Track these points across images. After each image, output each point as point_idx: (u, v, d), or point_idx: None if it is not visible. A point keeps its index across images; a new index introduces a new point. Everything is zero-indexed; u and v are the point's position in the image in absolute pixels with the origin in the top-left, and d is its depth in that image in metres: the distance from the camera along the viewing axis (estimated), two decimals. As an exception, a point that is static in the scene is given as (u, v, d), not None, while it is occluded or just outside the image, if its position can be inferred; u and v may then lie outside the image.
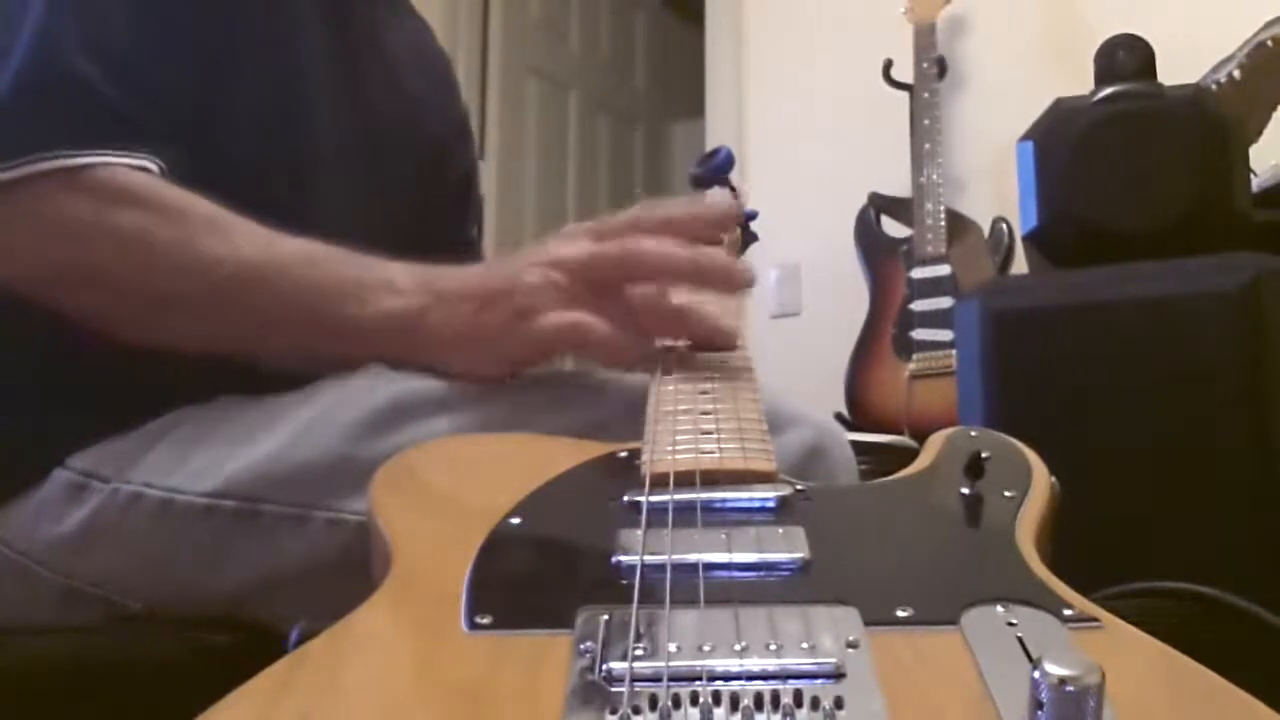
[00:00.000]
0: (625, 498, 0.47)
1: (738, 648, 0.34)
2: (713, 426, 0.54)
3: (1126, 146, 1.25)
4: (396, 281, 0.65)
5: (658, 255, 0.63)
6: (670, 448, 0.51)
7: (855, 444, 0.70)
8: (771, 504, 0.47)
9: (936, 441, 0.55)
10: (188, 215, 0.64)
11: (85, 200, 0.63)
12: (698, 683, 0.32)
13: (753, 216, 1.15)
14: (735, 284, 0.66)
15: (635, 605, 0.37)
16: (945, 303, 2.06)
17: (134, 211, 0.63)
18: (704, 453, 0.50)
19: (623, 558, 0.41)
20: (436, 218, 0.92)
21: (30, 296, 0.65)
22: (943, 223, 2.13)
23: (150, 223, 0.63)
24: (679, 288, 0.67)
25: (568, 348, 0.64)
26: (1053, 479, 0.50)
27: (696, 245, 0.64)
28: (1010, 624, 0.36)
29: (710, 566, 0.40)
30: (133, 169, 0.64)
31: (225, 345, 0.66)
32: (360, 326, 0.64)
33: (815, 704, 0.31)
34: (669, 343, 0.69)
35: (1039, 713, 0.29)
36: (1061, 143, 1.28)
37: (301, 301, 0.64)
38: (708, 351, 0.67)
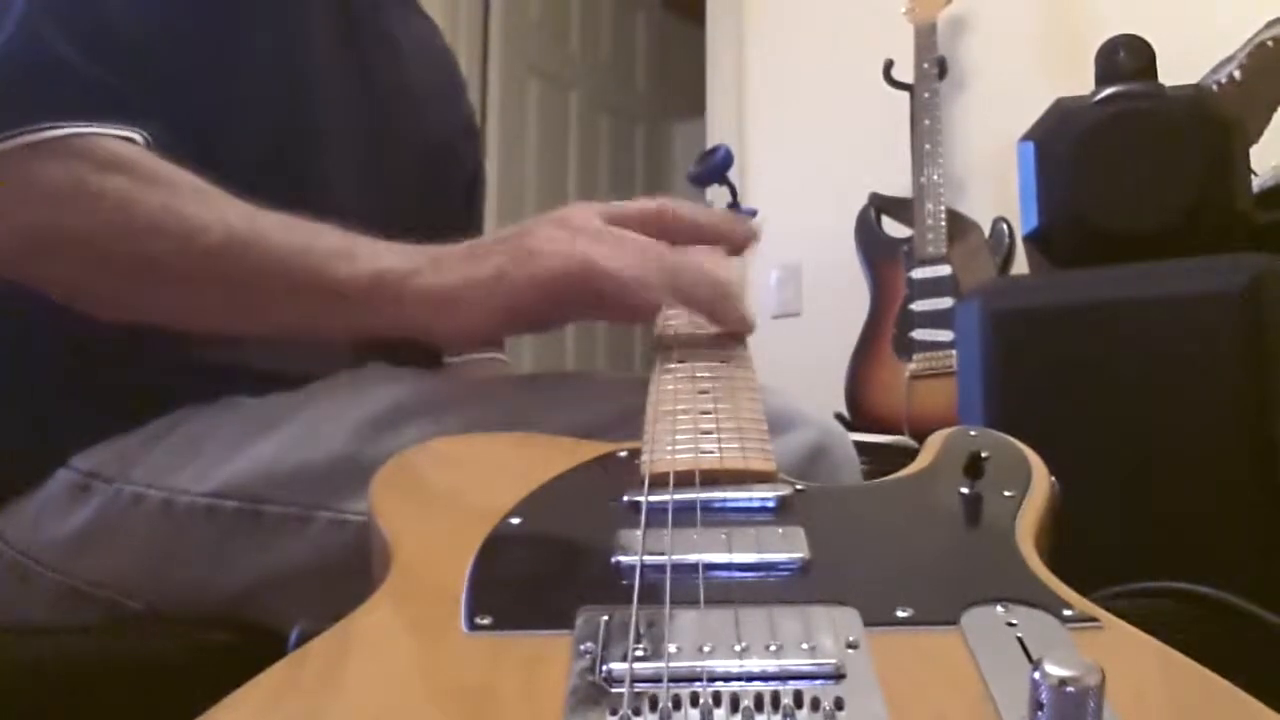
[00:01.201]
0: (625, 498, 0.47)
1: (738, 648, 0.34)
2: (712, 426, 0.54)
3: (1127, 147, 1.25)
4: (385, 248, 0.64)
5: (686, 208, 0.66)
6: (670, 447, 0.51)
7: (855, 444, 0.70)
8: (771, 504, 0.47)
9: (936, 441, 0.55)
10: (173, 182, 0.64)
11: (69, 166, 0.63)
12: (698, 683, 0.32)
13: (752, 215, 1.15)
14: (741, 246, 0.69)
15: (635, 606, 0.37)
16: (946, 303, 2.06)
17: (119, 177, 0.63)
18: (704, 452, 0.50)
19: (622, 558, 0.41)
20: (440, 216, 0.92)
21: (11, 271, 0.65)
22: (943, 223, 2.13)
23: (135, 188, 0.63)
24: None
25: (575, 284, 0.60)
26: (1052, 479, 0.50)
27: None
28: (1010, 624, 0.36)
29: (710, 567, 0.40)
30: (118, 139, 0.64)
31: (208, 319, 0.65)
32: (351, 287, 0.62)
33: (815, 705, 0.31)
34: (672, 323, 0.69)
35: (1039, 713, 0.29)
36: (1062, 143, 1.28)
37: (291, 264, 0.63)
38: (713, 326, 0.67)
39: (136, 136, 0.65)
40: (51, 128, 0.62)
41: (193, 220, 0.63)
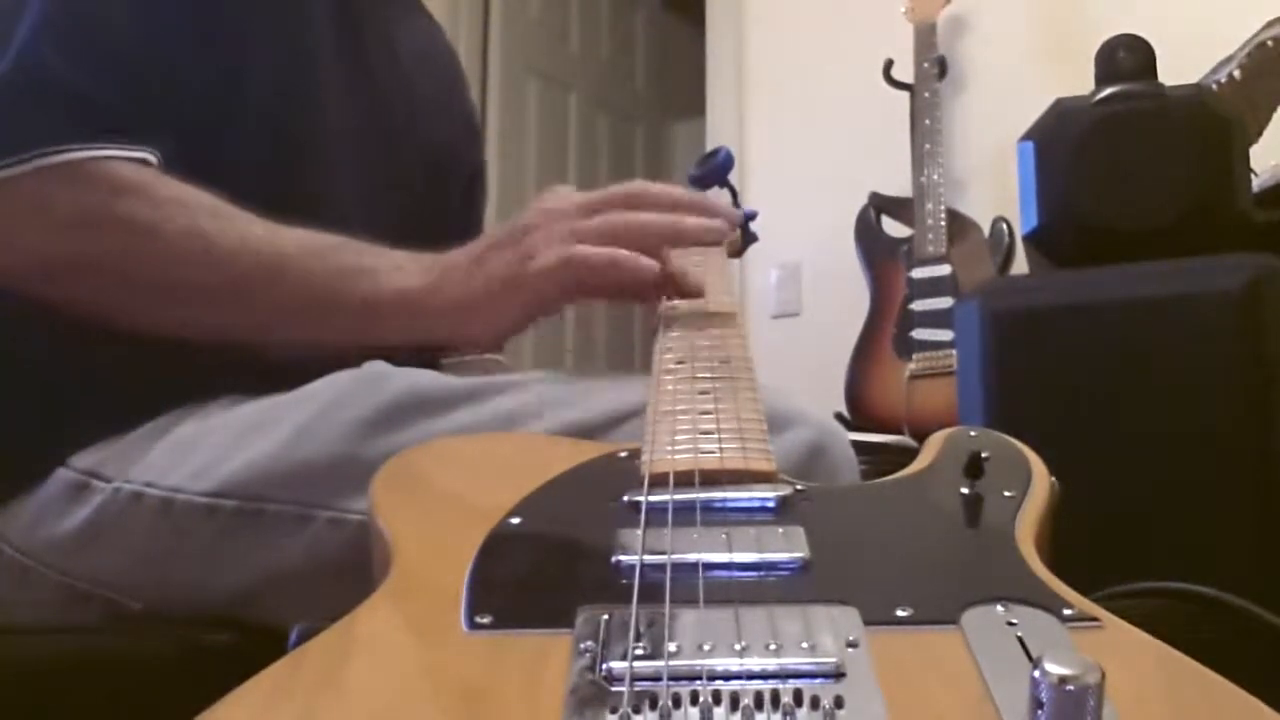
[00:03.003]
0: (625, 497, 0.47)
1: (738, 647, 0.34)
2: (712, 426, 0.54)
3: (1127, 147, 1.25)
4: (401, 262, 0.66)
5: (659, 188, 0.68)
6: (670, 447, 0.51)
7: (855, 444, 0.70)
8: (771, 504, 0.47)
9: (936, 441, 0.55)
10: (193, 208, 0.65)
11: (84, 191, 0.63)
12: (698, 682, 0.32)
13: (752, 216, 1.15)
14: (719, 230, 0.69)
15: (635, 605, 0.37)
16: (945, 303, 2.06)
17: (140, 204, 0.64)
18: (704, 452, 0.50)
19: (622, 557, 0.41)
20: (442, 216, 0.92)
21: (27, 289, 0.65)
22: (943, 223, 2.13)
23: (156, 214, 0.64)
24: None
25: (572, 276, 0.64)
26: (1052, 479, 0.50)
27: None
28: (1010, 623, 0.36)
29: (710, 566, 0.40)
30: (132, 161, 0.64)
31: (233, 334, 0.67)
32: (374, 307, 0.65)
33: (815, 703, 0.31)
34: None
35: (1039, 712, 0.29)
36: (1062, 143, 1.28)
37: (315, 288, 0.65)
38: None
39: (149, 157, 0.65)
40: (64, 151, 0.63)
41: (215, 245, 0.64)
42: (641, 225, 0.66)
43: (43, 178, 0.62)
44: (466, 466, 0.55)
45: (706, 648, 0.34)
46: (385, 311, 0.65)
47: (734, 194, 1.17)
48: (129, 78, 0.66)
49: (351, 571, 0.51)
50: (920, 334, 2.09)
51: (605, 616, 0.36)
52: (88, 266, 0.64)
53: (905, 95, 2.27)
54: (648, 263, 0.65)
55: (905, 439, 1.88)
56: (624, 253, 0.64)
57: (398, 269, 0.66)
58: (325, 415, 0.64)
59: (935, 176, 2.15)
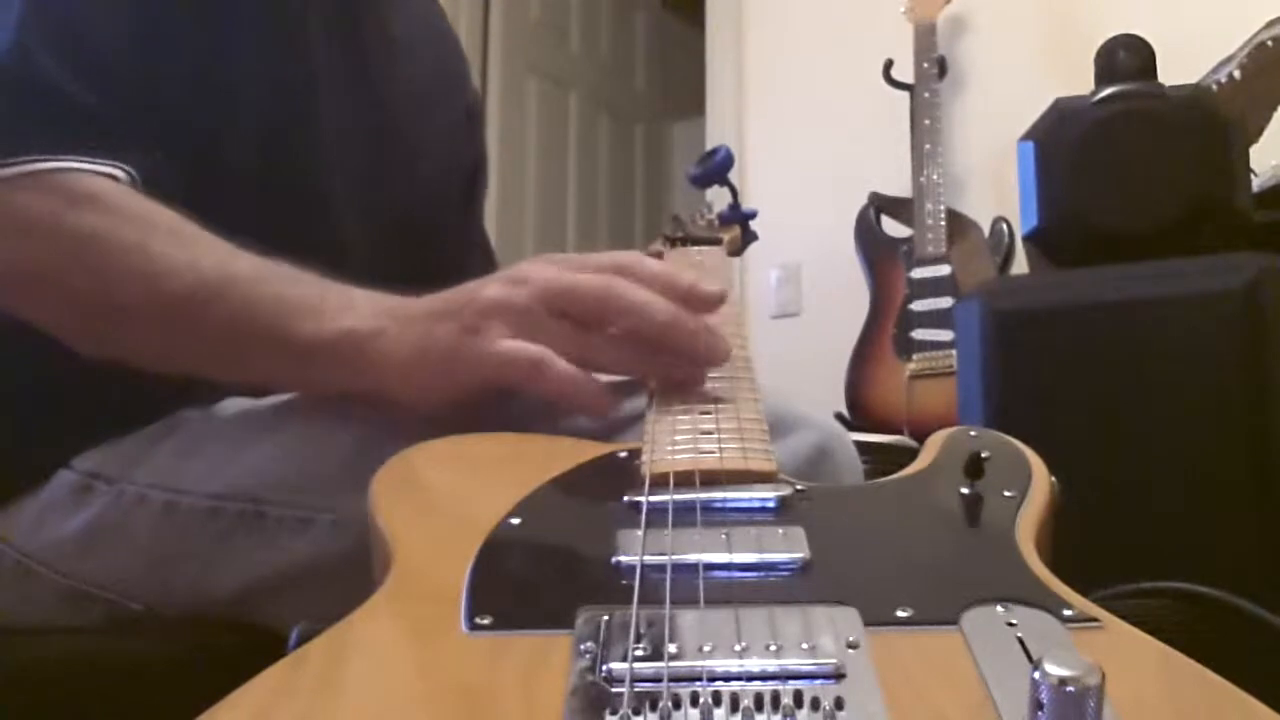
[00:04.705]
0: (625, 498, 0.47)
1: (738, 648, 0.34)
2: (713, 426, 0.54)
3: (1127, 147, 1.25)
4: (355, 302, 0.61)
5: (638, 305, 0.58)
6: (670, 448, 0.51)
7: (856, 444, 0.70)
8: (771, 504, 0.47)
9: (936, 441, 0.55)
10: (148, 224, 0.62)
11: (44, 202, 0.61)
12: (698, 683, 0.32)
13: (752, 216, 1.15)
14: (705, 362, 0.61)
15: (635, 606, 0.37)
16: (945, 303, 2.06)
17: (93, 216, 0.61)
18: (704, 453, 0.50)
19: (623, 558, 0.41)
20: (442, 211, 0.91)
21: None
22: (943, 223, 2.13)
23: (108, 228, 0.61)
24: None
25: (517, 379, 0.58)
26: (1053, 479, 0.50)
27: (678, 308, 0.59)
28: (1010, 624, 0.36)
29: (710, 567, 0.40)
30: (100, 175, 0.62)
31: (178, 362, 0.64)
32: (315, 343, 0.60)
33: (815, 704, 0.31)
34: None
35: (1039, 713, 0.29)
36: (1062, 143, 1.29)
37: (257, 315, 0.61)
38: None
39: (119, 173, 0.63)
40: (34, 161, 0.61)
41: (161, 263, 0.61)
42: (626, 311, 0.58)
43: (8, 186, 0.61)
44: (466, 467, 0.55)
45: (707, 649, 0.34)
46: (323, 350, 0.60)
47: (734, 193, 1.17)
48: (115, 81, 0.65)
49: (352, 573, 0.51)
50: (920, 334, 2.09)
51: (605, 617, 0.36)
52: (35, 276, 0.62)
53: (905, 95, 2.27)
54: (596, 397, 0.59)
55: (905, 439, 1.88)
56: (582, 384, 0.58)
57: (348, 306, 0.61)
58: (327, 418, 0.64)
59: (935, 176, 2.15)
